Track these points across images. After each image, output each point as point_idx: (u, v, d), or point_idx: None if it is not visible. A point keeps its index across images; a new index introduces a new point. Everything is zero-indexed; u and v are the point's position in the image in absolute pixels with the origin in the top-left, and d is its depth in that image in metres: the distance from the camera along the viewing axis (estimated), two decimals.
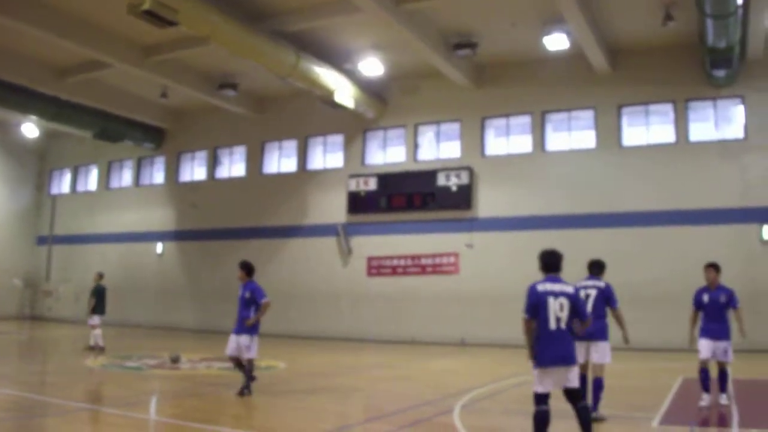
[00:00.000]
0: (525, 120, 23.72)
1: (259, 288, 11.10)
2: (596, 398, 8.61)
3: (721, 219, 21.36)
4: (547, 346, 6.49)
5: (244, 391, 10.69)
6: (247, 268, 11.38)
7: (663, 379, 13.09)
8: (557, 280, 6.79)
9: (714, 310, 9.86)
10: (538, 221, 22.54)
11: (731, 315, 9.98)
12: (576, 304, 6.72)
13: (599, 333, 8.66)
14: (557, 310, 6.53)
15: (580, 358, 8.68)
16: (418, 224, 24.06)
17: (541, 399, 6.50)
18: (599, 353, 8.69)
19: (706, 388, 9.69)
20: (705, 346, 9.72)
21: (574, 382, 6.58)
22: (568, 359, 6.58)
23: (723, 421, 8.78)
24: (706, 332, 9.79)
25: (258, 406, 10.20)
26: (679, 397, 11.02)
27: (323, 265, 25.67)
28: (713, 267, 10.18)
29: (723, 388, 9.81)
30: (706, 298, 9.94)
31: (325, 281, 25.48)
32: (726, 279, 20.32)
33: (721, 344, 9.67)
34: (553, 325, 6.53)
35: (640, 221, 21.79)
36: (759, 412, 10.03)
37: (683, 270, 20.75)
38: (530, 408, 6.47)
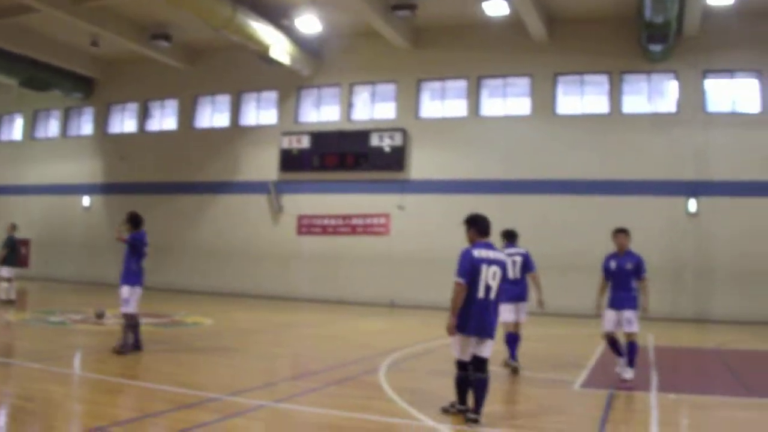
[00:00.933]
0: (461, 84, 24.04)
1: (139, 238, 10.61)
2: (514, 349, 9.85)
3: (651, 190, 22.15)
4: (473, 316, 6.44)
5: (121, 348, 10.11)
6: (133, 220, 10.87)
7: (588, 344, 13.42)
8: (491, 247, 6.71)
9: (620, 278, 9.36)
10: (470, 185, 22.99)
11: (638, 285, 9.54)
12: (505, 272, 6.70)
13: (525, 295, 10.03)
14: (489, 279, 6.47)
15: (512, 317, 9.87)
16: (350, 184, 24.28)
17: (462, 365, 6.60)
18: (524, 313, 9.99)
19: (618, 353, 9.34)
20: (609, 318, 9.29)
21: (486, 353, 6.59)
22: (489, 332, 6.56)
23: (643, 385, 8.97)
24: (612, 302, 9.34)
25: (184, 362, 10.16)
26: (602, 361, 11.42)
27: (254, 223, 25.72)
28: (623, 232, 9.68)
29: (631, 361, 9.19)
30: (613, 264, 9.45)
31: (256, 239, 25.55)
32: (652, 249, 21.31)
33: (625, 314, 9.15)
34: (481, 293, 6.46)
35: (571, 189, 22.41)
36: (678, 377, 10.49)
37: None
38: (454, 369, 6.62)
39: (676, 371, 11.16)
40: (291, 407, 7.36)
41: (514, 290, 9.61)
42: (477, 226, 6.83)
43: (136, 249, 10.58)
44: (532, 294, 10.27)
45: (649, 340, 15.06)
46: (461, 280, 6.46)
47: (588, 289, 19.94)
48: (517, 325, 9.94)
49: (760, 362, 12.79)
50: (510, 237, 10.28)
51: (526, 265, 9.98)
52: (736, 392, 9.13)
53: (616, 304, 9.31)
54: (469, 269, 6.45)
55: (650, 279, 21.08)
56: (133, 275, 10.53)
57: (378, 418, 6.86)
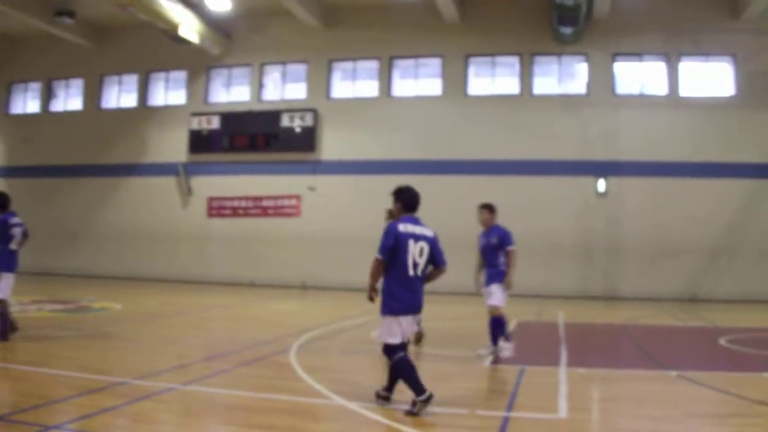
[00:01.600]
0: (372, 64, 24.11)
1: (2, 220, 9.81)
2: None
3: (561, 171, 22.63)
4: (405, 294, 6.15)
5: None
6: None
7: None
8: (417, 222, 6.33)
9: (487, 253, 9.34)
10: (382, 166, 23.05)
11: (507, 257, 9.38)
12: (434, 248, 6.30)
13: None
14: (416, 255, 6.16)
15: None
16: (261, 165, 24.12)
17: (399, 347, 6.19)
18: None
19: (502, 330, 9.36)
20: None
21: (409, 333, 6.41)
22: (418, 308, 6.32)
23: (553, 361, 9.16)
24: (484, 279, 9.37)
25: (90, 347, 9.84)
26: (514, 338, 11.52)
27: (162, 205, 25.33)
28: (486, 208, 9.63)
29: (494, 338, 9.28)
30: (482, 241, 9.45)
31: (165, 222, 25.17)
32: (564, 229, 21.97)
33: (489, 288, 9.24)
34: (411, 271, 6.15)
35: (483, 169, 22.68)
36: (587, 352, 10.84)
37: (525, 219, 22.09)
38: (366, 348, 6.77)
39: (585, 347, 11.51)
40: (200, 389, 7.20)
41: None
42: (403, 199, 6.41)
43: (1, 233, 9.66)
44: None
45: (560, 317, 15.47)
46: (379, 256, 6.11)
47: None
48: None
49: (665, 336, 13.29)
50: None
51: None
52: (643, 365, 9.56)
53: (485, 280, 9.39)
54: (392, 245, 6.08)
55: (562, 258, 21.96)
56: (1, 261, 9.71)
57: (287, 398, 6.80)
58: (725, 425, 6.33)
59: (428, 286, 6.42)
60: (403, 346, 6.21)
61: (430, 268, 6.34)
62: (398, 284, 6.15)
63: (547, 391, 7.32)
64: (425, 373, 8.08)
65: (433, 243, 6.28)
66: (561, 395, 7.10)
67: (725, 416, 6.53)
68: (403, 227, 6.20)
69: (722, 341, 11.57)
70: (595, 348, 11.49)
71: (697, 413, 6.59)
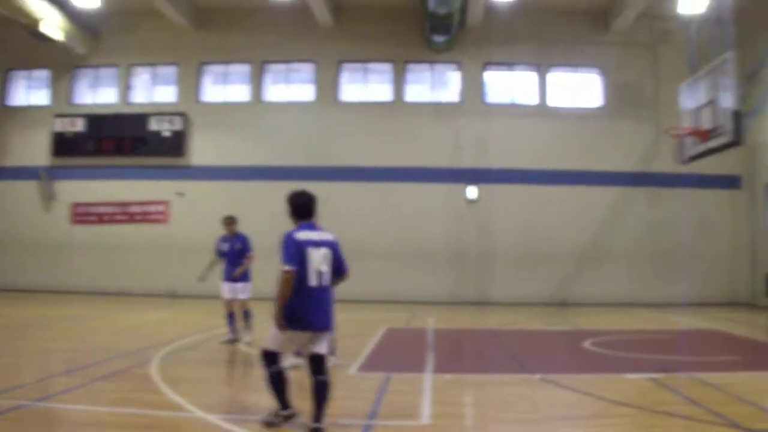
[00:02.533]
0: (244, 68, 24.06)
1: None
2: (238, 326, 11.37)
3: (433, 178, 23.11)
4: (306, 308, 5.76)
5: None
6: None
7: (369, 328, 13.81)
8: (315, 228, 6.04)
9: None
10: (253, 172, 23.09)
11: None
12: (337, 254, 6.03)
13: (244, 276, 11.50)
14: (319, 263, 5.82)
15: (230, 295, 11.27)
16: (128, 170, 23.64)
17: (274, 357, 5.92)
18: (245, 293, 11.48)
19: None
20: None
21: (322, 348, 5.92)
22: (326, 324, 5.94)
23: (419, 367, 9.29)
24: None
25: None
26: (381, 345, 11.77)
27: (22, 211, 24.44)
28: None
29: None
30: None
31: (25, 228, 24.27)
32: (435, 235, 22.41)
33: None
34: (313, 281, 5.80)
35: (355, 176, 22.97)
36: (455, 358, 11.04)
37: (396, 225, 22.63)
38: (232, 358, 6.59)
39: (453, 352, 11.74)
40: (53, 405, 6.91)
41: (231, 271, 11.47)
42: (293, 205, 6.11)
43: None
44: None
45: (430, 323, 15.76)
46: (289, 267, 5.68)
47: (376, 275, 21.01)
48: (236, 301, 11.51)
49: (533, 340, 13.82)
50: (232, 223, 11.76)
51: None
52: (509, 369, 9.84)
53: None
54: (296, 253, 5.72)
55: (434, 264, 22.44)
56: None
57: (145, 412, 6.58)
58: (582, 426, 6.59)
59: None
60: (277, 359, 5.94)
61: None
62: (301, 296, 5.75)
63: (411, 398, 7.42)
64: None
65: (335, 247, 6.01)
66: (425, 402, 7.25)
67: (583, 418, 6.82)
68: (301, 234, 5.86)
69: (587, 344, 12.09)
70: (463, 353, 11.79)
71: (557, 415, 6.87)
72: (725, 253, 24.04)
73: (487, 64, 23.96)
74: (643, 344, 12.94)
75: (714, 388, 8.00)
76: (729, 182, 24.08)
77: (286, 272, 5.70)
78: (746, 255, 23.92)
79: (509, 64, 24.14)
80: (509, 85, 24.19)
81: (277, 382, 5.94)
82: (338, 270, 6.04)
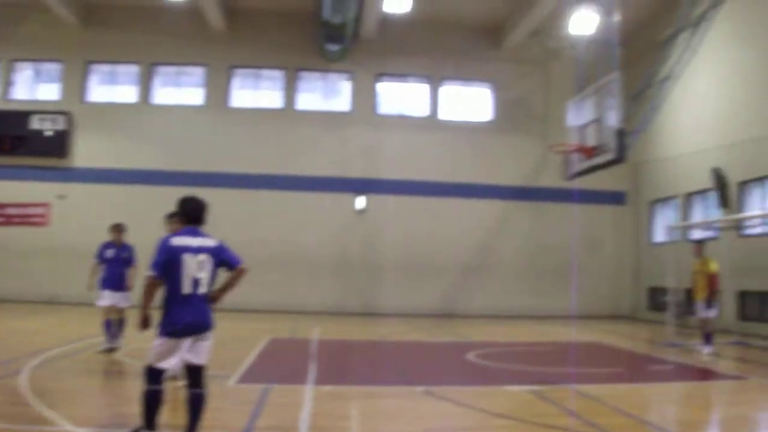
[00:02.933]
0: (133, 69, 23.71)
1: None
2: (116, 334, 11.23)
3: (322, 187, 23.22)
4: (178, 313, 5.60)
5: None
6: None
7: (251, 338, 13.70)
8: (197, 234, 5.86)
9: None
10: (139, 175, 22.73)
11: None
12: (222, 256, 5.92)
13: (126, 285, 11.40)
14: (194, 271, 5.67)
15: (109, 302, 11.06)
16: (6, 170, 22.93)
17: (157, 376, 5.63)
18: (125, 301, 11.37)
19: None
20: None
21: (201, 359, 5.75)
22: (201, 327, 5.76)
23: (301, 379, 9.18)
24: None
25: None
26: (263, 356, 11.62)
27: None
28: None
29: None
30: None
31: None
32: (322, 245, 22.38)
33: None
34: (187, 288, 5.65)
35: (244, 183, 22.92)
36: (337, 369, 10.85)
37: (284, 234, 22.53)
38: (109, 367, 6.29)
39: (336, 364, 11.62)
40: None
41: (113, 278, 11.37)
42: (182, 210, 5.98)
43: None
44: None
45: (315, 333, 15.69)
46: (152, 273, 5.61)
47: (261, 284, 20.45)
48: (114, 309, 11.34)
49: (417, 352, 13.94)
50: (120, 231, 11.58)
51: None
52: (391, 381, 9.78)
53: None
54: (164, 260, 5.60)
55: (321, 274, 22.51)
56: None
57: (10, 426, 6.19)
58: None
59: None
60: (160, 378, 5.68)
61: (228, 275, 5.97)
62: (173, 303, 5.62)
63: (290, 410, 7.30)
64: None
65: (216, 252, 5.84)
66: (304, 414, 7.12)
67: (463, 430, 6.85)
68: (178, 240, 5.72)
69: (471, 356, 12.26)
70: (346, 365, 11.73)
71: (436, 428, 6.91)
72: (610, 267, 24.88)
73: (380, 75, 24.26)
74: (526, 356, 13.23)
75: (594, 400, 8.22)
76: (614, 198, 24.91)
77: (148, 278, 5.65)
78: (630, 269, 24.79)
79: (402, 76, 24.49)
80: (401, 97, 24.50)
81: (152, 402, 5.64)
82: (230, 266, 5.93)
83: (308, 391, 8.37)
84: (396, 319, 20.92)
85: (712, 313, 13.37)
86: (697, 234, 19.17)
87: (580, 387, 9.03)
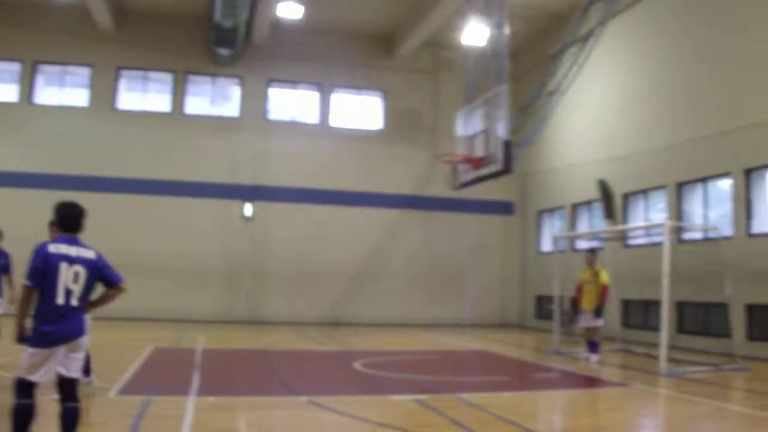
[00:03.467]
0: (14, 67, 23.09)
1: None
2: None
3: (210, 193, 23.19)
4: (49, 324, 5.35)
5: None
6: None
7: (134, 348, 13.45)
8: (75, 243, 5.62)
9: None
10: (20, 178, 22.14)
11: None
12: (101, 271, 5.68)
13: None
14: (69, 281, 5.45)
15: None
16: None
17: (27, 389, 5.35)
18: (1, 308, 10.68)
19: None
20: None
21: (74, 372, 5.53)
22: (73, 336, 5.50)
23: (183, 389, 9.01)
24: None
25: None
26: (146, 366, 11.36)
27: None
28: None
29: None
30: None
31: None
32: (209, 252, 22.36)
33: None
34: (60, 299, 5.41)
35: (129, 188, 22.61)
36: (221, 379, 10.67)
37: (170, 240, 22.28)
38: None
39: (220, 374, 11.36)
40: None
41: None
42: (58, 217, 5.71)
43: None
44: None
45: (200, 342, 15.61)
46: (28, 282, 5.37)
47: (145, 291, 20.45)
48: None
49: (303, 361, 13.97)
50: None
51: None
52: (275, 391, 9.63)
53: None
54: (40, 268, 5.37)
55: (207, 281, 22.51)
56: None
57: None
58: None
59: None
60: (31, 391, 5.39)
61: (105, 290, 5.74)
62: (45, 313, 5.37)
63: (171, 422, 7.13)
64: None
65: (94, 265, 5.60)
66: (185, 426, 6.96)
67: None
68: (55, 248, 5.48)
69: (357, 365, 12.33)
70: (231, 375, 11.53)
71: None
72: (498, 276, 25.65)
73: (271, 81, 24.44)
74: (413, 365, 13.43)
75: (478, 408, 8.35)
76: (503, 208, 25.70)
77: (24, 287, 5.41)
78: (517, 278, 25.58)
79: (293, 82, 24.73)
80: (292, 103, 24.73)
81: (21, 417, 5.28)
82: (109, 283, 5.69)
83: (191, 403, 8.22)
84: (284, 328, 21.04)
85: (600, 323, 13.73)
86: (586, 244, 19.72)
87: (465, 396, 9.19)
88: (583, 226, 22.19)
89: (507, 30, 16.29)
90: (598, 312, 13.61)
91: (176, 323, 20.58)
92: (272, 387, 10.15)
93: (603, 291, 13.63)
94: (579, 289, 14.07)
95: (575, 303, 14.20)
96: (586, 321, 13.81)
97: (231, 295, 23.12)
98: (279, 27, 23.32)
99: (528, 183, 25.24)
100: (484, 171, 15.97)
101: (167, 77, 23.79)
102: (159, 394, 8.62)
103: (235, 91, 24.26)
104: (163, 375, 10.96)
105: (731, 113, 15.88)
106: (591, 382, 11.69)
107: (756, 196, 15.47)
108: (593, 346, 13.67)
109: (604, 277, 13.76)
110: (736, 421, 8.34)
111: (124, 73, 23.72)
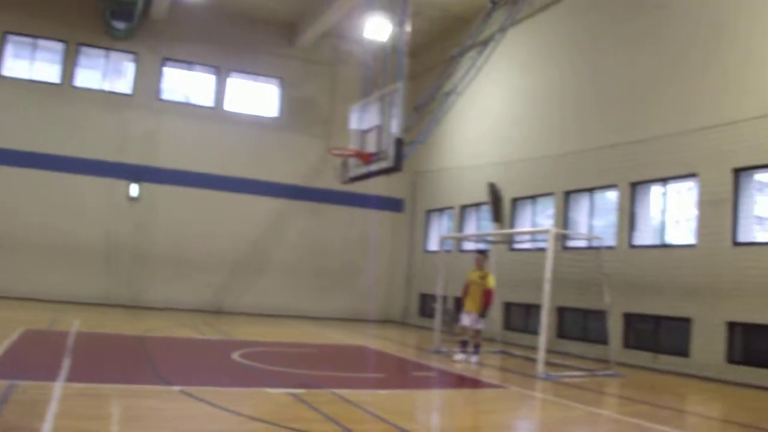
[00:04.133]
0: None
1: None
2: None
3: (95, 171, 22.71)
4: None
5: None
6: None
7: (2, 330, 12.90)
8: None
9: None
10: None
11: None
12: None
13: None
14: None
15: None
16: None
17: None
18: None
19: None
20: None
21: None
22: None
23: (51, 375, 8.68)
24: None
25: None
26: (13, 349, 10.91)
27: None
28: None
29: None
30: None
31: None
32: (90, 231, 21.96)
33: None
34: None
35: (10, 160, 22.00)
36: (92, 365, 10.32)
37: (50, 217, 21.77)
38: None
39: (92, 359, 11.11)
40: None
41: None
42: None
43: None
44: None
45: (75, 325, 15.18)
46: None
47: (20, 270, 20.16)
48: None
49: (180, 349, 13.79)
50: None
51: None
52: (148, 380, 9.35)
53: None
54: None
55: (87, 262, 21.99)
56: None
57: None
58: None
59: None
60: None
61: None
62: None
63: (35, 408, 6.85)
64: None
65: None
66: (49, 414, 6.70)
67: None
68: None
69: (235, 355, 12.22)
70: (103, 361, 11.16)
71: (185, 431, 6.64)
72: (384, 272, 26.21)
73: (167, 60, 24.21)
74: (292, 358, 13.39)
75: (353, 405, 8.32)
76: (393, 205, 26.37)
77: None
78: (403, 276, 26.26)
79: (189, 63, 24.57)
80: (187, 84, 24.58)
81: None
82: None
83: (57, 389, 7.92)
84: (164, 314, 20.93)
85: (481, 326, 14.07)
86: (473, 245, 20.12)
87: (342, 391, 9.14)
88: (471, 227, 22.93)
89: (408, 27, 16.50)
90: (482, 315, 13.94)
91: (53, 304, 20.16)
92: (145, 375, 9.95)
93: (488, 295, 13.92)
94: (466, 290, 14.33)
95: (460, 303, 14.54)
96: (468, 322, 14.07)
97: (111, 277, 22.72)
98: (179, 4, 23.07)
99: (419, 181, 25.97)
100: (374, 167, 16.17)
101: (58, 47, 23.16)
102: (25, 378, 8.34)
103: (129, 67, 23.87)
104: (31, 359, 10.61)
105: (619, 127, 16.81)
106: (468, 382, 11.99)
107: (640, 209, 16.39)
108: (475, 348, 13.94)
109: (491, 281, 14.08)
110: (607, 426, 8.67)
111: (11, 38, 22.94)
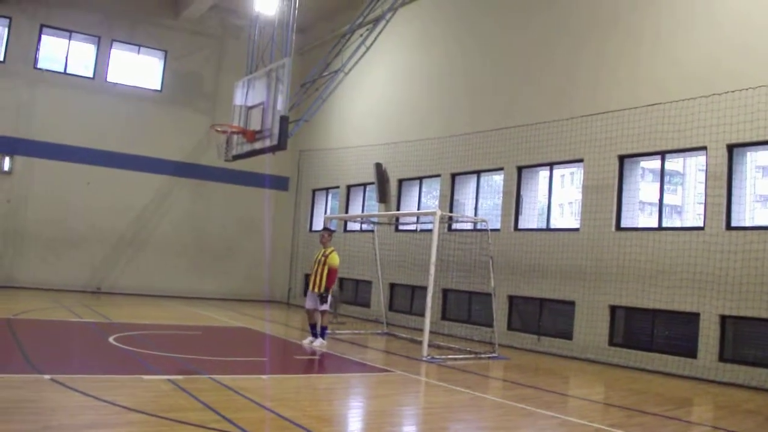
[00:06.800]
0: None
1: None
2: None
3: None
4: None
5: None
6: None
7: None
8: None
9: None
10: None
11: None
12: None
13: None
14: None
15: None
16: None
17: None
18: None
19: None
20: None
21: None
22: None
23: None
24: None
25: None
26: None
27: None
28: None
29: None
30: None
31: None
32: None
33: None
34: None
35: None
36: None
37: None
38: None
39: None
40: None
41: None
42: None
43: None
44: None
45: None
46: None
47: None
48: None
49: (54, 333, 13.40)
50: None
51: None
52: (19, 369, 9.17)
53: None
54: None
55: None
56: None
57: None
58: None
59: None
60: None
61: None
62: None
63: None
64: None
65: None
66: None
67: (85, 427, 6.37)
68: None
69: (112, 339, 12.16)
70: None
71: (55, 425, 6.32)
72: (269, 252, 27.08)
73: (44, 27, 23.99)
74: (171, 341, 13.40)
75: (233, 391, 8.38)
76: (277, 183, 27.33)
77: None
78: (287, 255, 27.43)
79: (68, 31, 24.46)
80: (65, 53, 24.60)
81: None
82: None
83: None
84: (39, 294, 20.99)
85: (324, 307, 13.78)
86: (357, 225, 21.04)
87: (221, 377, 9.21)
88: (357, 208, 24.01)
89: (297, 2, 17.07)
90: (323, 295, 13.71)
91: None
92: (13, 362, 9.70)
93: (330, 274, 13.69)
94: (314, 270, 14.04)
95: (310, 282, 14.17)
96: (310, 305, 13.94)
97: None
98: None
99: (305, 160, 27.01)
100: (258, 145, 16.72)
101: None
102: None
103: (1, 33, 23.92)
104: None
105: (507, 111, 17.96)
106: (353, 366, 12.16)
107: (526, 192, 17.63)
108: (322, 330, 13.95)
109: (334, 259, 13.79)
110: (492, 411, 8.94)
111: None
